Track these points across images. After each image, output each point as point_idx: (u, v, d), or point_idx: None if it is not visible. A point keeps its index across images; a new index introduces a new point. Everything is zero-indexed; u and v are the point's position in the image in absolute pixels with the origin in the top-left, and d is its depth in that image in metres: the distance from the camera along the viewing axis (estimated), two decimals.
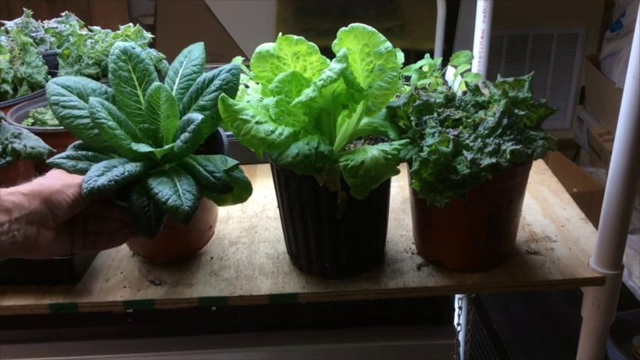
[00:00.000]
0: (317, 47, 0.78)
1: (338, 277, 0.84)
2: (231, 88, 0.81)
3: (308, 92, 0.72)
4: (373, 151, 0.74)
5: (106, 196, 0.74)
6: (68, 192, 0.69)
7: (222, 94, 0.74)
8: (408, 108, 0.82)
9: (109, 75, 0.81)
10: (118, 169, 0.73)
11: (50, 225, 0.69)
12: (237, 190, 0.79)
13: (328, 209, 0.77)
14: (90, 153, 0.79)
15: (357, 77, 0.77)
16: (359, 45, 0.77)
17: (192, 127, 0.75)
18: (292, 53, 0.78)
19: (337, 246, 0.82)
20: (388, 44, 0.76)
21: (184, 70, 0.84)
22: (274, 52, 0.78)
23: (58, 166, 0.76)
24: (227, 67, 0.82)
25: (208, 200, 0.85)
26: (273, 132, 0.72)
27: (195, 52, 0.86)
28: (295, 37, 0.76)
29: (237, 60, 1.17)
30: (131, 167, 0.74)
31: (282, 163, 0.73)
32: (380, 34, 0.76)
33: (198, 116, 0.76)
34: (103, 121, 0.75)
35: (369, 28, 0.76)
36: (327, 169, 0.73)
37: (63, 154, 0.77)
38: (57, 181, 0.70)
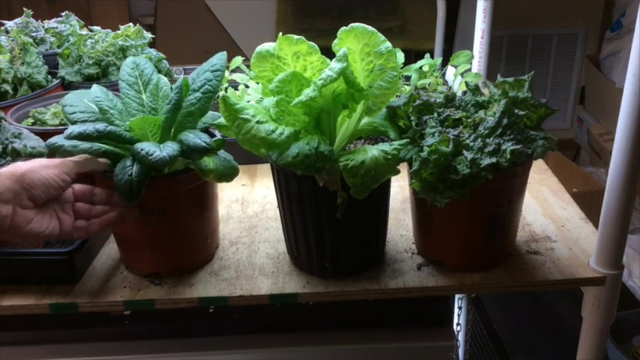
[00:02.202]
0: (317, 47, 0.78)
1: (338, 277, 0.84)
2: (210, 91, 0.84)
3: (308, 92, 0.72)
4: (373, 151, 0.74)
5: (94, 173, 0.77)
6: (44, 172, 0.70)
7: (223, 93, 0.74)
8: (408, 108, 0.82)
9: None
10: (103, 124, 0.79)
11: (26, 204, 0.69)
12: (221, 167, 0.82)
13: (328, 209, 0.77)
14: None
15: (357, 77, 0.77)
16: (359, 45, 0.77)
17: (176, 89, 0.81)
18: (292, 53, 0.78)
19: (337, 246, 0.82)
20: (388, 44, 0.76)
21: (199, 74, 0.86)
22: (274, 52, 0.78)
23: (56, 149, 0.78)
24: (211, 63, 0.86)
25: (207, 211, 0.86)
26: (273, 131, 0.72)
27: (215, 59, 0.87)
28: (295, 36, 0.76)
29: (238, 60, 1.17)
30: (115, 128, 0.79)
31: (282, 163, 0.73)
32: (380, 34, 0.76)
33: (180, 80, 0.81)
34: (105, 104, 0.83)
35: (369, 27, 0.76)
36: (327, 169, 0.73)
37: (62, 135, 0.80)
38: (36, 163, 0.71)
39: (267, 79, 0.80)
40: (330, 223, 0.79)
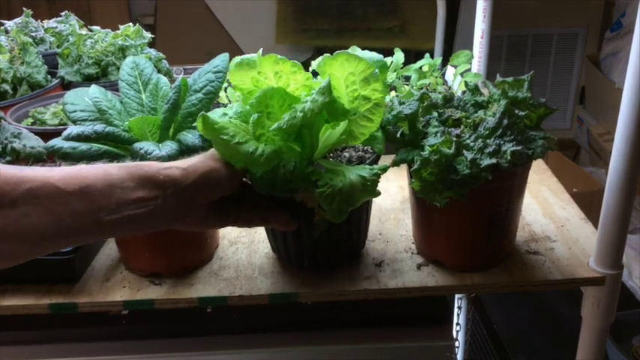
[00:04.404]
0: (301, 65, 0.74)
1: (337, 275, 0.84)
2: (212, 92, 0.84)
3: (287, 118, 0.69)
4: (351, 176, 0.71)
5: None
6: (223, 171, 0.71)
7: (203, 113, 0.71)
8: (417, 115, 0.79)
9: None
10: (101, 125, 0.81)
11: (202, 200, 0.70)
12: None
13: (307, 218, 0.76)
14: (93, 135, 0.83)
15: (341, 97, 0.74)
16: (344, 73, 0.73)
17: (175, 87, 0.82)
18: (274, 72, 0.74)
19: (316, 246, 0.82)
20: (376, 71, 0.72)
21: (201, 75, 0.86)
22: (255, 67, 0.74)
23: (55, 151, 0.79)
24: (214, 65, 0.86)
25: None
26: (253, 153, 0.70)
27: (217, 60, 0.86)
28: (278, 56, 0.72)
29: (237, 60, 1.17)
30: (114, 129, 0.80)
31: (253, 180, 0.73)
32: (368, 62, 0.71)
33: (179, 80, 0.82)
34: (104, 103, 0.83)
35: (357, 54, 0.71)
36: (302, 188, 0.72)
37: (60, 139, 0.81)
38: (213, 161, 0.71)
39: (248, 90, 0.76)
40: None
